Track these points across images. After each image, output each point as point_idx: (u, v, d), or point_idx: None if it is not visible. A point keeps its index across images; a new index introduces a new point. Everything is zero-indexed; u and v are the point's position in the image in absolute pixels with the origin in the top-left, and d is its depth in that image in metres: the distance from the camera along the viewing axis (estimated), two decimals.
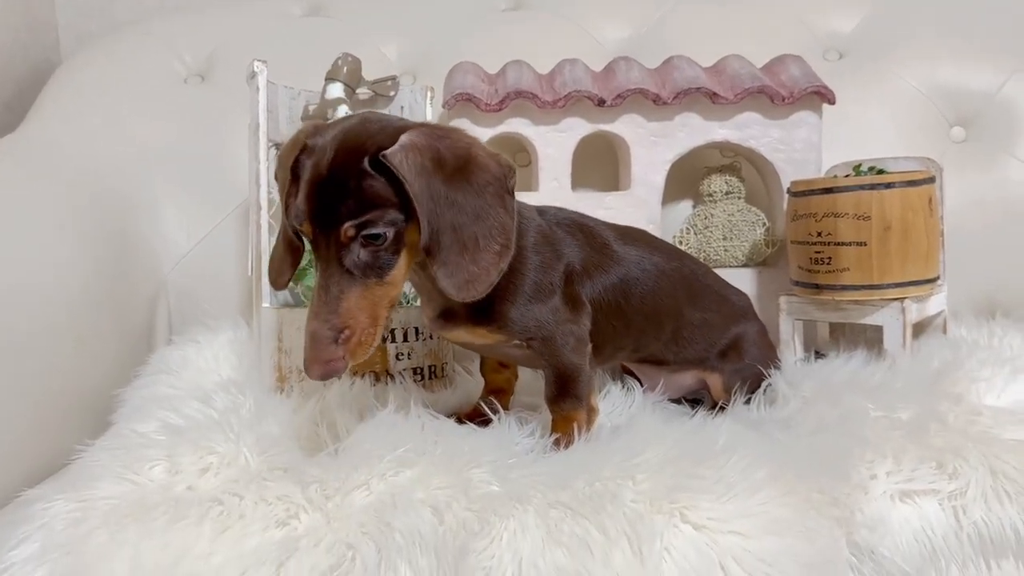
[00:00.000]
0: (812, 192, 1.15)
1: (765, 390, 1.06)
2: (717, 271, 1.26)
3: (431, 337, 1.16)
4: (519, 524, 0.75)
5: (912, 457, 0.83)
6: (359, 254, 0.77)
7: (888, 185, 1.10)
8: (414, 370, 1.14)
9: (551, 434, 0.92)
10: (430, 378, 1.15)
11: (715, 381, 1.09)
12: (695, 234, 1.37)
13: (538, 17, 1.64)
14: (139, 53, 1.60)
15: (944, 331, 1.26)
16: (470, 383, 1.19)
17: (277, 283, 0.88)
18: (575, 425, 0.92)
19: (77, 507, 0.79)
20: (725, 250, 1.36)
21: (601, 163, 1.43)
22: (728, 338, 1.09)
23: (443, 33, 1.62)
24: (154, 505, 0.79)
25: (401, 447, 0.85)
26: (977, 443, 0.85)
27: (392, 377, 1.10)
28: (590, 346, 0.95)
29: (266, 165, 1.14)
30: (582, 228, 1.00)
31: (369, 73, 1.38)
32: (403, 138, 0.76)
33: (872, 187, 1.11)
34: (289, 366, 1.08)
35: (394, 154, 0.75)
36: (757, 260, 1.36)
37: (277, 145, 1.26)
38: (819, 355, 1.21)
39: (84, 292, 1.22)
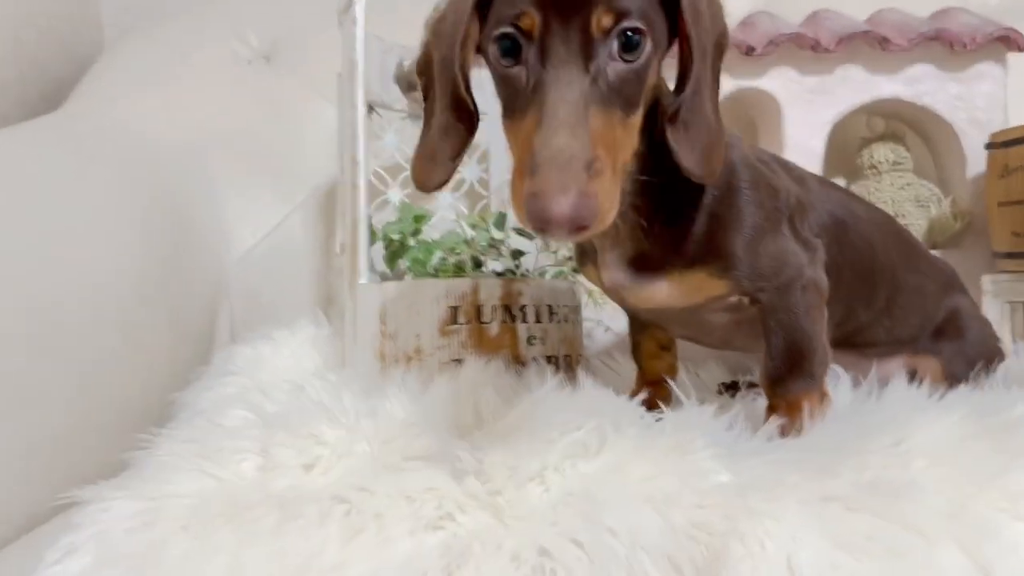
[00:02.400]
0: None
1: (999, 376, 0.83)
2: None
3: (566, 320, 0.93)
4: (783, 524, 0.51)
5: None
6: (607, 66, 0.54)
7: None
8: (548, 358, 0.90)
9: (771, 419, 0.68)
10: (566, 370, 0.92)
11: (932, 367, 0.85)
12: None
13: None
14: (196, 35, 1.43)
15: None
16: (613, 379, 0.96)
17: (430, 179, 0.64)
18: (804, 409, 0.68)
19: (147, 507, 0.57)
20: None
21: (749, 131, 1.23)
22: (944, 312, 0.86)
23: None
24: (254, 504, 0.57)
25: (576, 430, 0.62)
26: None
27: (524, 364, 0.87)
28: None
29: (363, 113, 0.94)
30: (775, 158, 0.79)
31: None
32: None
33: None
34: (395, 352, 0.86)
35: None
36: (940, 239, 1.13)
37: (370, 105, 1.07)
38: None
39: (136, 285, 1.03)
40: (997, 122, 1.10)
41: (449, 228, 1.06)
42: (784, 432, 0.67)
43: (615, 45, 0.55)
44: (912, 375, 0.86)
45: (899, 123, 1.20)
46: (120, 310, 0.99)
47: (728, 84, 1.11)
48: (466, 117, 0.63)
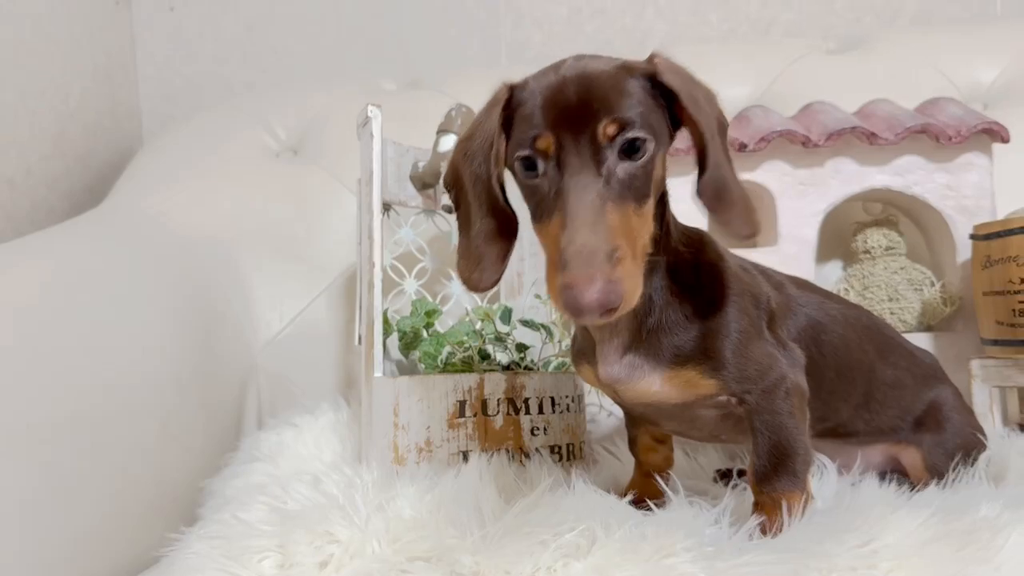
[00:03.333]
0: (1012, 232, 0.98)
1: (981, 464, 0.87)
2: None
3: (567, 410, 0.99)
4: None
5: None
6: (616, 167, 0.62)
7: None
8: (551, 448, 0.96)
9: (754, 517, 0.73)
10: (568, 459, 0.98)
11: (913, 458, 0.89)
12: (854, 296, 1.20)
13: None
14: (228, 129, 1.53)
15: None
16: (615, 465, 1.01)
17: (482, 280, 0.70)
18: (786, 508, 0.73)
19: None
20: (891, 312, 1.18)
21: None
22: (923, 403, 0.90)
23: None
24: None
25: (567, 532, 0.68)
26: None
27: (527, 455, 0.93)
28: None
29: (380, 218, 1.01)
30: (756, 266, 0.85)
31: None
32: (657, 59, 0.66)
33: None
34: (407, 444, 0.92)
35: (662, 62, 0.65)
36: (930, 322, 1.17)
37: (385, 205, 1.15)
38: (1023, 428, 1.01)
39: (170, 374, 1.10)
40: (985, 209, 1.15)
41: (462, 312, 1.14)
42: (765, 530, 0.72)
43: (621, 149, 0.62)
44: (895, 464, 0.91)
45: (894, 208, 1.25)
46: (157, 399, 1.06)
47: None
48: (506, 223, 0.71)
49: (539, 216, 0.64)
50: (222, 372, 1.22)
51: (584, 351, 0.80)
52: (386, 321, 1.06)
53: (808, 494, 0.76)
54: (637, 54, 1.58)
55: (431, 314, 1.04)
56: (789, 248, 1.17)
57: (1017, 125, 1.36)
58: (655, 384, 0.74)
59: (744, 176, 1.17)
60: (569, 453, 0.98)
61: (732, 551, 0.67)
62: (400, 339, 1.06)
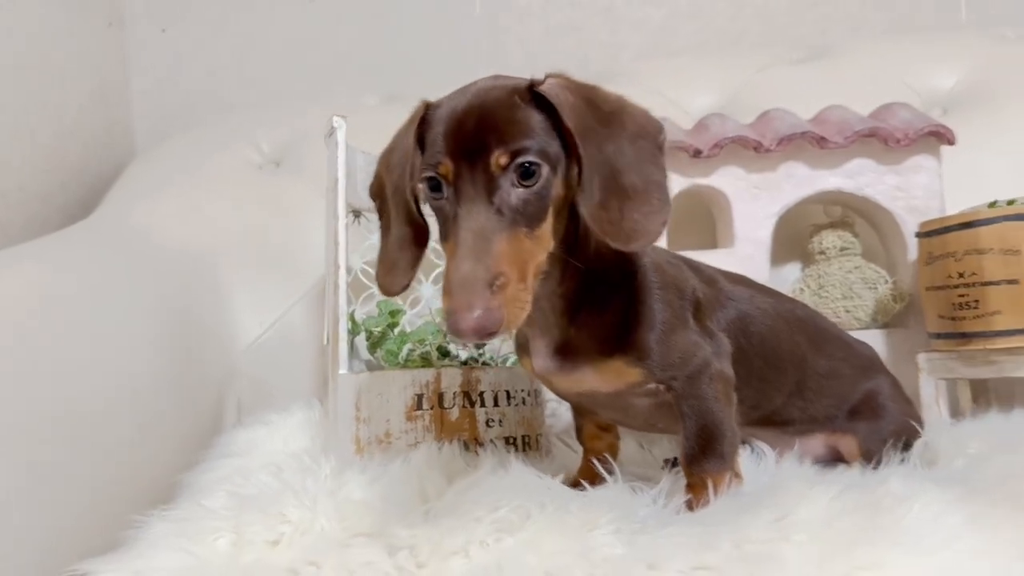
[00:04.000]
0: (948, 229, 1.03)
1: (917, 450, 0.90)
2: None
3: (523, 403, 1.03)
4: None
5: None
6: (510, 194, 0.66)
7: None
8: (506, 439, 1.00)
9: (683, 495, 0.77)
10: (524, 449, 1.02)
11: (849, 445, 0.93)
12: (810, 295, 1.24)
13: (624, 91, 1.58)
14: (215, 143, 1.59)
15: None
16: (569, 456, 1.05)
17: (393, 284, 0.75)
18: (713, 487, 0.77)
19: None
20: (846, 310, 1.22)
21: (696, 221, 1.33)
22: (860, 393, 0.94)
23: None
24: None
25: (502, 508, 0.72)
26: None
27: (482, 445, 0.97)
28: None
29: (344, 223, 1.06)
30: (687, 262, 0.89)
31: None
32: (551, 80, 0.69)
33: (1019, 217, 0.98)
34: (368, 436, 0.96)
35: (551, 87, 0.67)
36: (883, 320, 1.21)
37: (355, 211, 1.20)
38: None
39: (151, 377, 1.15)
40: (934, 209, 1.19)
41: (427, 314, 1.18)
42: (692, 507, 0.76)
43: (515, 176, 0.66)
44: (835, 453, 0.95)
45: (851, 210, 1.29)
46: (137, 402, 1.11)
47: (683, 182, 1.22)
48: (419, 232, 0.76)
49: (443, 236, 0.69)
50: (202, 376, 1.27)
51: (523, 345, 0.85)
52: (354, 322, 1.11)
53: (737, 475, 0.80)
54: (613, 68, 1.64)
55: (395, 314, 1.09)
56: (745, 249, 1.21)
57: (973, 128, 1.42)
58: (586, 375, 0.79)
59: (701, 181, 1.22)
60: (525, 444, 1.02)
61: (656, 526, 0.72)
62: (367, 338, 1.11)
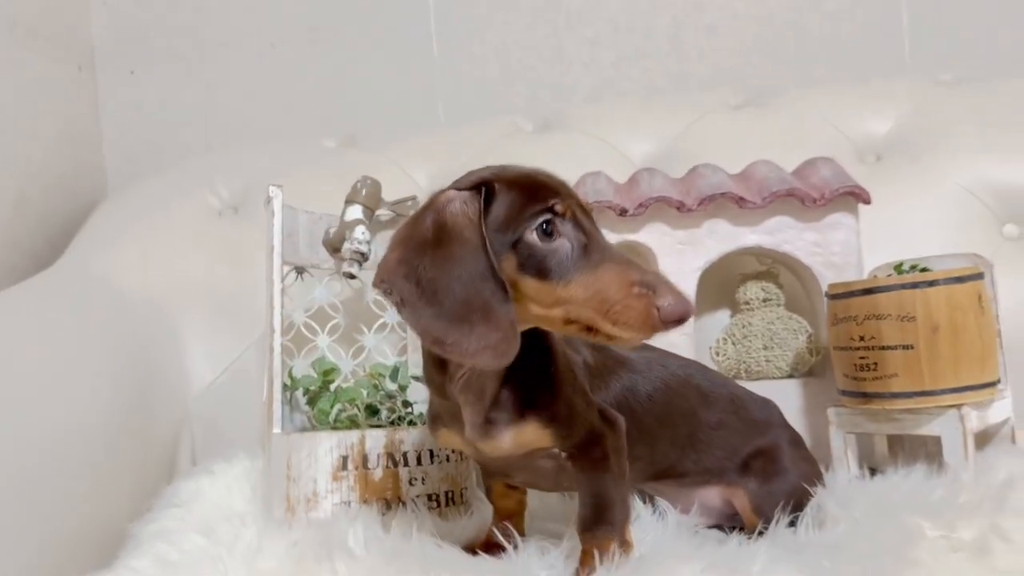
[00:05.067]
0: (851, 294, 1.08)
1: (811, 511, 0.96)
2: (759, 383, 1.22)
3: (447, 460, 1.09)
4: None
5: None
6: None
7: (931, 283, 1.02)
8: (429, 496, 1.06)
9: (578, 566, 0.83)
10: (447, 504, 1.08)
11: (742, 501, 0.99)
12: (733, 344, 1.30)
13: (565, 137, 1.64)
14: (177, 189, 1.65)
15: (1012, 440, 1.13)
16: (489, 510, 1.11)
17: (511, 350, 0.73)
18: (598, 555, 0.82)
19: None
20: (767, 360, 1.27)
21: None
22: (751, 447, 1.00)
23: (470, 157, 1.63)
24: None
25: None
26: None
27: (404, 504, 1.03)
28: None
29: (279, 288, 1.12)
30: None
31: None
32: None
33: (915, 285, 1.03)
34: (297, 495, 1.03)
35: None
36: (802, 370, 1.27)
37: (298, 268, 1.26)
38: (874, 472, 1.10)
39: (102, 427, 1.20)
40: (852, 265, 1.24)
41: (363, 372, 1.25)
42: (581, 574, 0.82)
43: None
44: (730, 507, 1.00)
45: (775, 263, 1.34)
46: (89, 452, 1.17)
47: (614, 237, 1.28)
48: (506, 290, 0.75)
49: (559, 273, 0.73)
50: (155, 423, 1.33)
51: (440, 416, 0.90)
52: (292, 378, 1.17)
53: (627, 543, 0.86)
54: (563, 110, 1.68)
55: (328, 373, 1.15)
56: None
57: (903, 175, 1.47)
58: (505, 439, 0.84)
59: (628, 236, 1.27)
60: (448, 499, 1.08)
61: None
62: (304, 394, 1.17)
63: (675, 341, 1.19)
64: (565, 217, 0.74)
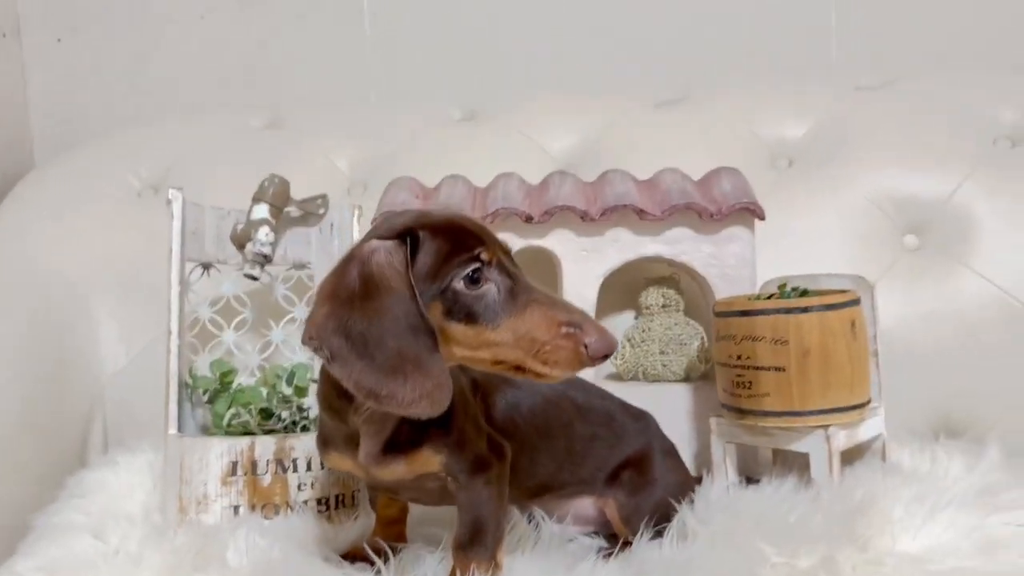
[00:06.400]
0: (731, 314, 1.12)
1: (676, 524, 1.01)
2: (656, 385, 1.29)
3: None
4: None
5: None
6: None
7: (805, 309, 1.07)
8: (319, 500, 1.11)
9: None
10: (337, 507, 1.12)
11: (611, 511, 1.04)
12: (632, 347, 1.34)
13: (489, 129, 1.65)
14: (99, 165, 1.65)
15: (883, 457, 1.19)
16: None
17: (446, 396, 0.76)
18: (472, 573, 0.87)
19: None
20: (663, 364, 1.32)
21: (544, 279, 1.42)
22: (619, 459, 1.06)
23: (395, 144, 1.64)
24: None
25: None
26: None
27: (291, 508, 1.08)
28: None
29: (177, 290, 1.14)
30: None
31: (319, 185, 1.40)
32: None
33: (788, 311, 1.07)
34: (189, 497, 1.06)
35: None
36: (695, 375, 1.32)
37: (204, 265, 1.27)
38: (752, 481, 1.15)
39: (9, 411, 1.22)
40: (746, 278, 1.28)
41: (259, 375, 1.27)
42: None
43: None
44: (604, 516, 1.06)
45: (677, 270, 1.38)
46: None
47: (520, 242, 1.30)
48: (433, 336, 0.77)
49: (486, 317, 0.76)
50: (67, 407, 1.35)
51: (333, 440, 0.92)
52: (194, 376, 1.20)
53: (497, 566, 0.91)
54: (491, 100, 1.69)
55: (226, 375, 1.18)
56: (574, 303, 1.30)
57: (812, 182, 1.51)
58: (399, 465, 0.88)
59: (534, 242, 1.30)
60: (339, 503, 1.12)
61: None
62: (204, 393, 1.19)
63: None
64: (491, 264, 0.77)
